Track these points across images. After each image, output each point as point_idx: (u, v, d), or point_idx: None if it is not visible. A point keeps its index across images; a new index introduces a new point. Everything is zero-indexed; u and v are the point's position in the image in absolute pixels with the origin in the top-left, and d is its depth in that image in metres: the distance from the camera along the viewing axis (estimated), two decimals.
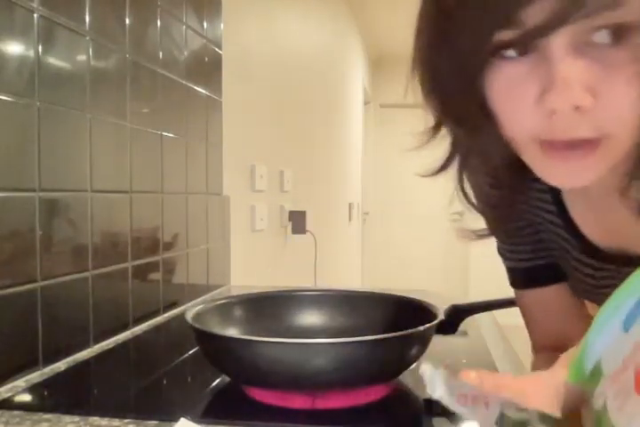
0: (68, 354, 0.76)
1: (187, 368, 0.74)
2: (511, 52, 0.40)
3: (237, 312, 0.72)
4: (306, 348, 0.54)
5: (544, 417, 0.31)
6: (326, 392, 0.57)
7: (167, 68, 1.03)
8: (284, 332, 0.73)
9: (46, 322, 0.71)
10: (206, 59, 1.22)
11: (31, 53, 0.69)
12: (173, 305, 1.07)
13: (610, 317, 0.29)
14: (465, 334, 0.88)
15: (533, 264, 0.65)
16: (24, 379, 0.67)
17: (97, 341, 0.82)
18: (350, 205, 3.72)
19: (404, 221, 5.19)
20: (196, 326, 0.59)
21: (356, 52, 4.02)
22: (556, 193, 0.58)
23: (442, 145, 0.52)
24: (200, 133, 1.20)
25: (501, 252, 0.67)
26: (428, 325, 0.58)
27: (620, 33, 0.37)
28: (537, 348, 0.69)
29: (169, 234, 1.06)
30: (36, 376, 0.68)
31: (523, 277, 0.67)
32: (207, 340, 0.59)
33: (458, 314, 0.86)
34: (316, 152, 2.66)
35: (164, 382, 0.69)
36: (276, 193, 1.88)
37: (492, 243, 0.68)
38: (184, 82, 1.11)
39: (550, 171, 0.43)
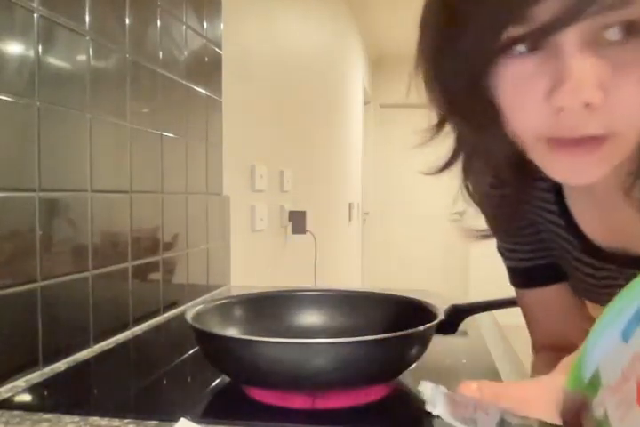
0: (68, 354, 0.76)
1: (187, 368, 0.74)
2: (520, 49, 0.39)
3: (237, 312, 0.72)
4: (306, 348, 0.54)
5: (544, 424, 0.31)
6: (326, 392, 0.57)
7: (167, 68, 1.03)
8: (284, 332, 0.73)
9: (46, 322, 0.71)
10: (206, 59, 1.22)
11: (31, 53, 0.69)
12: (173, 305, 1.07)
13: (608, 325, 0.29)
14: (465, 334, 0.88)
15: (534, 264, 0.65)
16: (24, 379, 0.67)
17: (97, 341, 0.82)
18: (350, 205, 3.72)
19: (404, 221, 5.19)
20: (196, 326, 0.59)
21: (356, 52, 4.02)
22: (557, 193, 0.58)
23: (443, 144, 0.52)
24: (200, 133, 1.20)
25: (502, 251, 0.67)
26: (428, 325, 0.58)
27: (631, 30, 0.37)
28: (537, 347, 0.69)
29: (169, 234, 1.06)
30: (36, 376, 0.68)
31: (523, 277, 0.67)
32: (207, 340, 0.59)
33: (458, 314, 0.86)
34: (316, 152, 2.66)
35: (164, 382, 0.69)
36: (276, 193, 1.88)
37: (492, 243, 0.68)
38: (184, 82, 1.11)
39: (557, 167, 0.43)
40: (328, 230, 2.89)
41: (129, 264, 0.91)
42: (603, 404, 0.28)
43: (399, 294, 0.74)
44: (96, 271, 0.82)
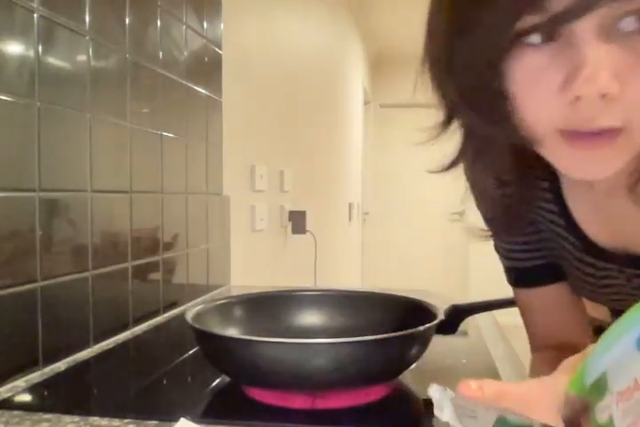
0: (68, 354, 0.76)
1: (187, 368, 0.74)
2: (534, 39, 0.39)
3: (237, 312, 0.72)
4: (306, 348, 0.54)
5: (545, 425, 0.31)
6: (326, 392, 0.57)
7: (167, 68, 1.03)
8: (284, 332, 0.73)
9: (46, 322, 0.71)
10: (206, 59, 1.22)
11: (31, 53, 0.69)
12: (173, 305, 1.07)
13: (622, 334, 0.29)
14: (465, 334, 0.88)
15: (532, 264, 0.65)
16: (24, 379, 0.67)
17: (97, 341, 0.82)
18: (350, 205, 3.72)
19: (404, 221, 5.19)
20: (196, 326, 0.59)
21: (356, 52, 4.02)
22: (557, 193, 0.58)
23: (446, 142, 0.51)
24: (200, 133, 1.20)
25: (500, 251, 0.67)
26: (428, 325, 0.58)
27: None
28: (535, 347, 0.69)
29: (169, 234, 1.06)
30: (36, 376, 0.68)
31: (521, 277, 0.66)
32: (207, 340, 0.59)
33: (458, 314, 0.86)
34: (316, 152, 2.66)
35: (164, 382, 0.69)
36: (276, 193, 1.88)
37: (492, 243, 0.68)
38: (184, 82, 1.11)
39: (570, 161, 0.43)
40: (328, 230, 2.89)
41: (129, 264, 0.91)
42: (609, 409, 0.28)
43: (399, 294, 0.74)
44: (96, 271, 0.82)
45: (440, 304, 0.67)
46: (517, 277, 0.67)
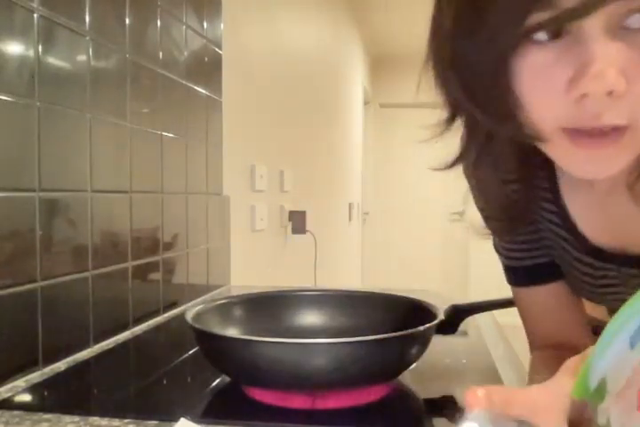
0: (68, 354, 0.76)
1: (187, 368, 0.74)
2: (542, 36, 0.39)
3: (237, 312, 0.72)
4: (306, 348, 0.54)
5: None
6: (326, 392, 0.57)
7: (167, 68, 1.03)
8: (284, 332, 0.73)
9: (46, 322, 0.71)
10: (206, 59, 1.22)
11: (31, 53, 0.69)
12: (173, 305, 1.07)
13: (617, 333, 0.29)
14: (465, 334, 0.88)
15: (531, 263, 0.65)
16: (24, 379, 0.67)
17: (97, 341, 0.82)
18: (350, 205, 3.72)
19: (404, 221, 5.18)
20: (196, 326, 0.59)
21: (356, 52, 4.02)
22: (557, 192, 0.58)
23: (445, 142, 0.51)
24: (200, 133, 1.20)
25: (499, 250, 0.67)
26: (428, 325, 0.58)
27: None
28: (534, 346, 0.69)
29: (169, 234, 1.06)
30: (36, 376, 0.68)
31: (520, 276, 0.66)
32: (207, 340, 0.59)
33: (458, 314, 0.86)
34: (316, 152, 2.66)
35: (164, 382, 0.69)
36: (276, 193, 1.88)
37: (492, 242, 0.67)
38: (184, 82, 1.11)
39: (575, 159, 0.42)
40: (328, 230, 2.89)
41: (129, 264, 0.91)
42: (607, 411, 0.28)
43: (399, 294, 0.74)
44: (96, 271, 0.82)
45: (440, 304, 0.67)
46: (517, 276, 0.67)
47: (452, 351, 0.79)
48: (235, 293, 0.77)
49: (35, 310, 0.70)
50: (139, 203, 0.94)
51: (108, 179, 0.86)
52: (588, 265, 0.58)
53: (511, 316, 0.86)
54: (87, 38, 0.80)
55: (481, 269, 4.46)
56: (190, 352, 0.78)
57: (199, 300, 1.17)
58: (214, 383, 0.64)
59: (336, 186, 3.25)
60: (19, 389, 0.64)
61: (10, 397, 0.61)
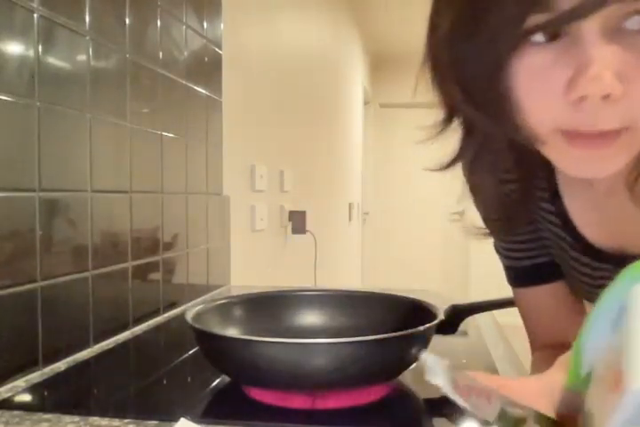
0: (68, 354, 0.76)
1: (187, 368, 0.74)
2: (539, 38, 0.39)
3: (237, 312, 0.72)
4: (306, 348, 0.54)
5: (542, 417, 0.31)
6: (326, 392, 0.57)
7: (167, 68, 1.03)
8: (284, 332, 0.73)
9: (46, 322, 0.71)
10: (206, 59, 1.22)
11: (31, 53, 0.69)
12: (173, 305, 1.07)
13: (599, 319, 0.29)
14: (465, 334, 0.88)
15: (531, 262, 0.65)
16: (24, 379, 0.67)
17: (97, 341, 0.82)
18: (350, 205, 3.72)
19: (404, 221, 5.19)
20: (196, 326, 0.59)
21: (356, 52, 4.02)
22: (555, 192, 0.58)
23: (446, 142, 0.51)
24: (200, 133, 1.20)
25: (499, 250, 0.67)
26: (428, 325, 0.58)
27: None
28: (535, 346, 0.69)
29: (169, 234, 1.06)
30: (36, 376, 0.68)
31: (520, 276, 0.67)
32: (207, 340, 0.59)
33: (458, 314, 0.86)
34: (316, 152, 2.66)
35: (164, 382, 0.69)
36: (276, 193, 1.88)
37: (492, 242, 0.68)
38: (184, 82, 1.11)
39: (571, 161, 0.43)
40: (328, 230, 2.89)
41: (129, 264, 0.91)
42: (591, 397, 0.28)
43: (399, 294, 0.74)
44: (96, 271, 0.82)
45: (440, 304, 0.67)
46: (516, 276, 0.67)
47: (452, 351, 0.79)
48: (235, 293, 0.77)
49: (35, 310, 0.70)
50: (139, 203, 0.94)
51: (108, 179, 0.86)
52: (586, 265, 0.58)
53: (511, 316, 0.86)
54: (87, 38, 0.80)
55: (481, 269, 4.46)
56: (190, 352, 0.78)
57: (199, 300, 1.17)
58: (214, 383, 0.64)
59: (336, 186, 3.25)
60: (19, 389, 0.64)
61: (10, 397, 0.61)
